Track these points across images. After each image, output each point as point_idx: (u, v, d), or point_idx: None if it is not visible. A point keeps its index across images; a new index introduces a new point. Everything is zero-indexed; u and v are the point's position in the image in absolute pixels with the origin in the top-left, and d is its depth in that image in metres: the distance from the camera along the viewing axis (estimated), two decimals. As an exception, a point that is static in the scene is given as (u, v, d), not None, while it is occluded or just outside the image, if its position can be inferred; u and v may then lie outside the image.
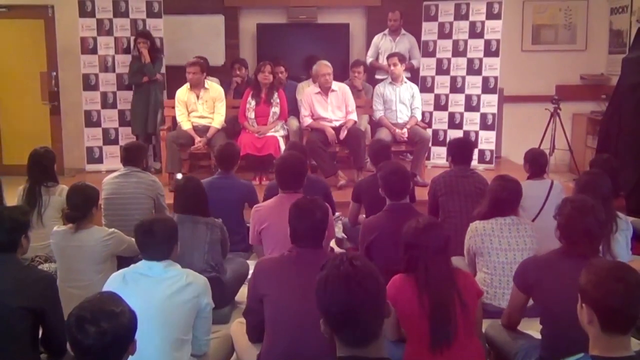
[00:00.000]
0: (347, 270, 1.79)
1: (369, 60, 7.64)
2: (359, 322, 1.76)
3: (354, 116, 6.62)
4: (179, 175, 6.38)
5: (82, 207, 3.77)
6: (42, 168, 4.50)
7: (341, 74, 7.29)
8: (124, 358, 1.97)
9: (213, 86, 6.67)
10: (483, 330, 3.12)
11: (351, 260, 1.82)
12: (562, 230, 2.89)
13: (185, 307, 2.77)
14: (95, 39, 7.44)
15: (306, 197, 3.05)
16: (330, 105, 6.57)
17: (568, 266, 2.70)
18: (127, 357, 1.99)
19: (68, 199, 3.86)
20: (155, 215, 3.05)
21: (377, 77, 7.58)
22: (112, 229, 3.89)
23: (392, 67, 6.76)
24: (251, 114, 6.62)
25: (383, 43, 7.53)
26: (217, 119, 6.56)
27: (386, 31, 7.54)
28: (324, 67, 6.53)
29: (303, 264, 2.76)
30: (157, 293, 2.71)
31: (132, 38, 7.36)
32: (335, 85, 6.64)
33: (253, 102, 6.61)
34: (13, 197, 4.60)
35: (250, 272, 3.34)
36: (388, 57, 6.93)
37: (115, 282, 2.77)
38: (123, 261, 3.74)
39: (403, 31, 7.54)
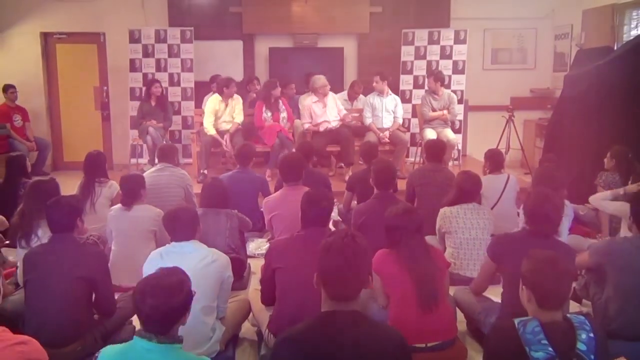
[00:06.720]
0: (348, 241, 1.86)
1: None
2: (344, 282, 1.82)
3: (344, 111, 6.65)
4: (205, 171, 6.36)
5: (133, 191, 3.89)
6: (95, 167, 4.50)
7: (337, 89, 7.23)
8: (176, 325, 1.94)
9: (235, 96, 6.72)
10: (452, 294, 3.12)
11: (353, 235, 1.90)
12: (527, 216, 2.85)
13: (212, 278, 2.75)
14: (140, 60, 7.50)
15: (316, 189, 3.04)
16: (327, 108, 6.56)
17: (531, 243, 2.69)
18: (179, 325, 1.96)
19: (121, 186, 3.96)
20: (176, 205, 3.05)
21: None
22: (160, 210, 3.85)
23: (374, 84, 6.72)
24: (269, 123, 6.61)
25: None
26: (239, 118, 6.63)
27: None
28: (323, 80, 6.52)
29: (311, 242, 2.71)
30: (188, 264, 2.65)
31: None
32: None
33: (269, 113, 6.60)
34: (73, 188, 4.59)
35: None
36: (374, 76, 6.85)
37: (154, 259, 2.75)
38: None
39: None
